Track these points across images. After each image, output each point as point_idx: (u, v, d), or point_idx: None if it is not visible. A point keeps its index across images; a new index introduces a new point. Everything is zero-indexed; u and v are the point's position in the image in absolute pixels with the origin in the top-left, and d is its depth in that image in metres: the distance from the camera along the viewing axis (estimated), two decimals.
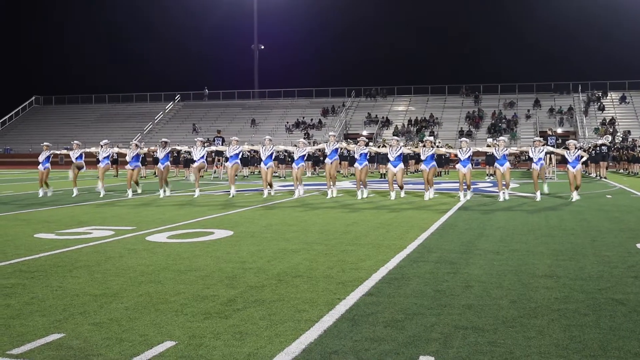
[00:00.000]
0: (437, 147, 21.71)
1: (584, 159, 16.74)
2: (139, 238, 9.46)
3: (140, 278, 6.51)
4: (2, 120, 67.33)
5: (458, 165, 16.33)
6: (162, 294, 5.79)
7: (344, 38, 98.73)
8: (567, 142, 16.90)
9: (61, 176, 28.16)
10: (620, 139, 42.86)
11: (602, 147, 28.88)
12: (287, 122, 59.42)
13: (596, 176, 28.48)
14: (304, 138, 51.53)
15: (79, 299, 5.62)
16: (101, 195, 17.69)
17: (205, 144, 19.28)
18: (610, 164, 32.80)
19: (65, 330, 4.70)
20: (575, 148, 16.16)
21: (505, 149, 16.08)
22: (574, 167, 15.69)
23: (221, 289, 5.97)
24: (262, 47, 73.05)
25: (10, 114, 68.28)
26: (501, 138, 16.63)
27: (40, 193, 18.13)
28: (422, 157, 16.56)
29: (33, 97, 71.24)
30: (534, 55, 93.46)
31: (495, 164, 16.16)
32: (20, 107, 69.59)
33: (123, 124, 63.32)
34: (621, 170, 33.99)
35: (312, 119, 59.14)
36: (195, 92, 69.17)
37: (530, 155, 16.61)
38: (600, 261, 7.32)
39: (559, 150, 18.26)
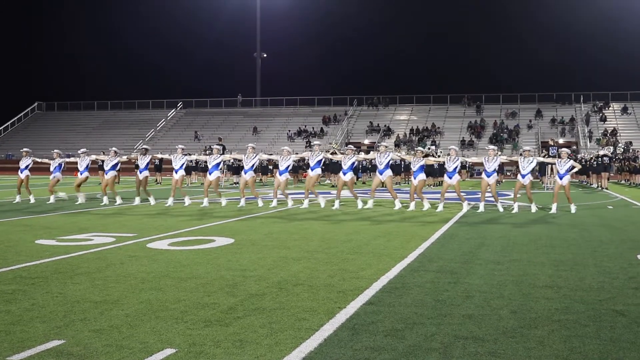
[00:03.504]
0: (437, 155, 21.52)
1: (575, 170, 16.18)
2: (140, 245, 9.47)
3: (140, 285, 6.51)
4: (4, 126, 67.45)
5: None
6: (162, 302, 5.79)
7: (346, 47, 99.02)
8: (559, 150, 16.50)
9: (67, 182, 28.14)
10: (622, 149, 42.89)
11: (604, 157, 28.89)
12: (289, 131, 59.51)
13: (597, 187, 28.48)
14: (307, 146, 51.53)
15: (80, 306, 5.62)
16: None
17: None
18: (612, 174, 32.81)
19: (66, 336, 4.70)
20: (568, 157, 15.80)
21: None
22: (561, 179, 15.49)
23: (222, 297, 5.97)
24: (265, 55, 73.28)
25: (12, 120, 68.41)
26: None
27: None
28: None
29: (35, 104, 71.41)
30: (536, 66, 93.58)
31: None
32: (22, 113, 69.74)
33: (125, 130, 63.43)
34: (622, 181, 34.00)
35: (313, 128, 59.21)
36: (197, 100, 69.33)
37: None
38: (601, 272, 7.32)
39: (550, 160, 18.09)
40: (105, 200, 17.78)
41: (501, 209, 15.43)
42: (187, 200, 17.51)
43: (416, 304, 5.70)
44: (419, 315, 5.31)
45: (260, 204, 16.84)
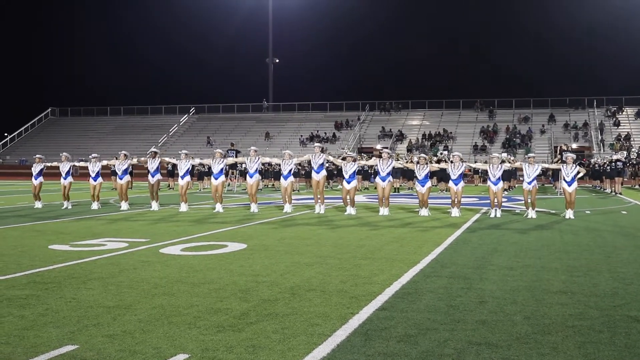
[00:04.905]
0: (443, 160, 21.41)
1: (580, 174, 15.96)
2: (152, 250, 9.49)
3: (153, 290, 6.52)
4: (17, 132, 67.92)
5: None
6: (175, 307, 5.80)
7: (358, 52, 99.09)
8: (564, 155, 16.28)
9: (80, 187, 28.30)
10: (636, 154, 42.61)
11: (618, 162, 28.70)
12: (302, 136, 59.56)
13: (611, 192, 28.30)
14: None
15: (93, 311, 5.64)
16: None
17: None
18: (626, 179, 32.60)
19: (79, 341, 4.71)
20: (574, 163, 15.65)
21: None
22: (569, 185, 15.25)
23: (234, 302, 5.98)
24: (277, 60, 73.48)
25: (26, 126, 68.90)
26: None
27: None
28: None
29: (49, 109, 71.90)
30: (549, 70, 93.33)
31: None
32: (36, 119, 70.24)
33: (138, 136, 63.70)
34: (637, 186, 33.76)
35: (326, 133, 59.24)
36: (209, 105, 69.56)
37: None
38: (615, 278, 7.27)
39: (555, 166, 17.89)
40: (123, 205, 17.76)
41: (493, 215, 15.34)
42: (183, 207, 17.30)
43: (429, 310, 5.68)
44: (432, 321, 5.29)
45: (254, 209, 16.75)
